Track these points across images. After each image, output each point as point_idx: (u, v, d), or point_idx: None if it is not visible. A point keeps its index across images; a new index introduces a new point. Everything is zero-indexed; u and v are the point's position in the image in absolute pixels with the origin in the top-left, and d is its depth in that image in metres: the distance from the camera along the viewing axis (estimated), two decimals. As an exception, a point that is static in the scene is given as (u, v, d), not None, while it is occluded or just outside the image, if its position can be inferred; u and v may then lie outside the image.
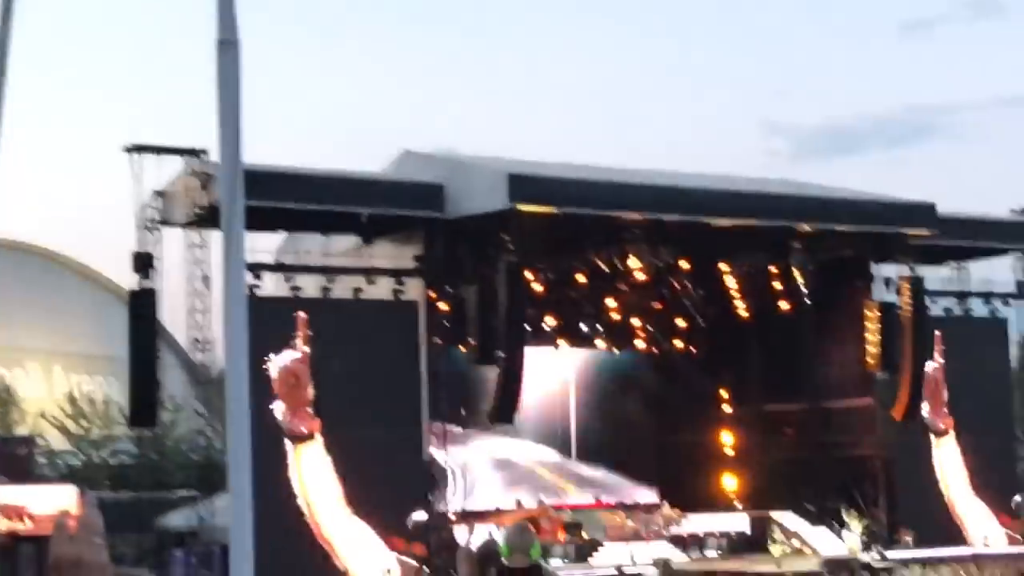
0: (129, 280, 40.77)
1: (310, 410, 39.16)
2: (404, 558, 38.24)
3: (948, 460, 49.72)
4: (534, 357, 44.58)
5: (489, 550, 10.42)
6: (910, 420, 48.36)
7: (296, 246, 43.23)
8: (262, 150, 41.84)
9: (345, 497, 38.87)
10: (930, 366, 49.43)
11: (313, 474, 38.90)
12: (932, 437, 49.71)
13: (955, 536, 48.68)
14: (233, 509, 5.73)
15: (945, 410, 49.97)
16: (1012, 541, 47.91)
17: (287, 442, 38.51)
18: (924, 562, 42.95)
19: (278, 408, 38.29)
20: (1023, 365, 58.33)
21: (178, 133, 41.52)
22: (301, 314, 38.90)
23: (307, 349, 38.81)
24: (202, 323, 40.73)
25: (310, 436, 39.02)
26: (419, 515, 40.29)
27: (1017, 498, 49.03)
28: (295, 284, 41.13)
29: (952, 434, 49.76)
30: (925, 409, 49.48)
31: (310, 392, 39.02)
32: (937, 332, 49.08)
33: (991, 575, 37.68)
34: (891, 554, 45.57)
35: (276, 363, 38.50)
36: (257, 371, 37.49)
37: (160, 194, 40.66)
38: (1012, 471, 52.64)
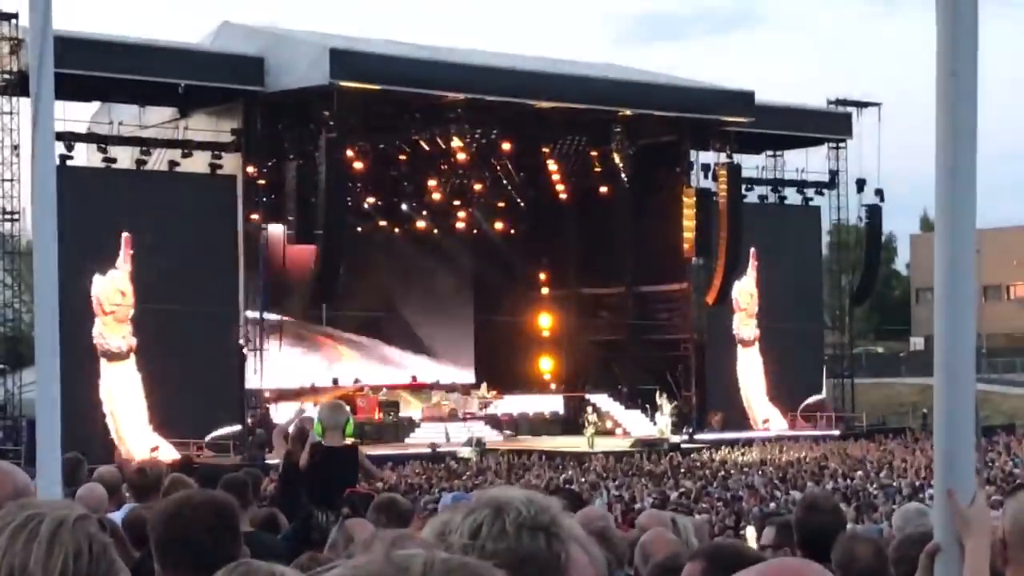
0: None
1: (130, 328, 39.19)
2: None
3: (750, 368, 51.13)
4: (354, 236, 44.40)
5: (303, 427, 10.31)
6: (722, 305, 49.38)
7: (111, 116, 42.22)
8: (78, 16, 40.59)
9: (156, 373, 38.88)
10: (746, 281, 50.55)
11: (122, 392, 38.89)
12: (738, 346, 51.00)
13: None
14: (39, 383, 5.57)
15: (755, 321, 51.24)
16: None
17: (101, 360, 38.64)
18: (732, 443, 44.10)
19: (96, 327, 38.54)
20: (833, 253, 59.62)
21: (-13, -4, 40.00)
22: (126, 234, 38.96)
23: (129, 267, 38.94)
24: (11, 193, 39.63)
25: (126, 355, 39.10)
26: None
27: None
28: (109, 155, 40.30)
29: (757, 345, 51.13)
30: (735, 321, 50.72)
31: (131, 310, 39.13)
32: (752, 249, 50.11)
33: (796, 454, 38.83)
34: (700, 436, 46.72)
35: (99, 283, 38.54)
36: (67, 244, 36.78)
37: (-32, 59, 39.26)
38: (819, 355, 54.10)
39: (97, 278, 38.85)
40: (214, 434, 39.95)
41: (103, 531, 2.70)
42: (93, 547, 2.66)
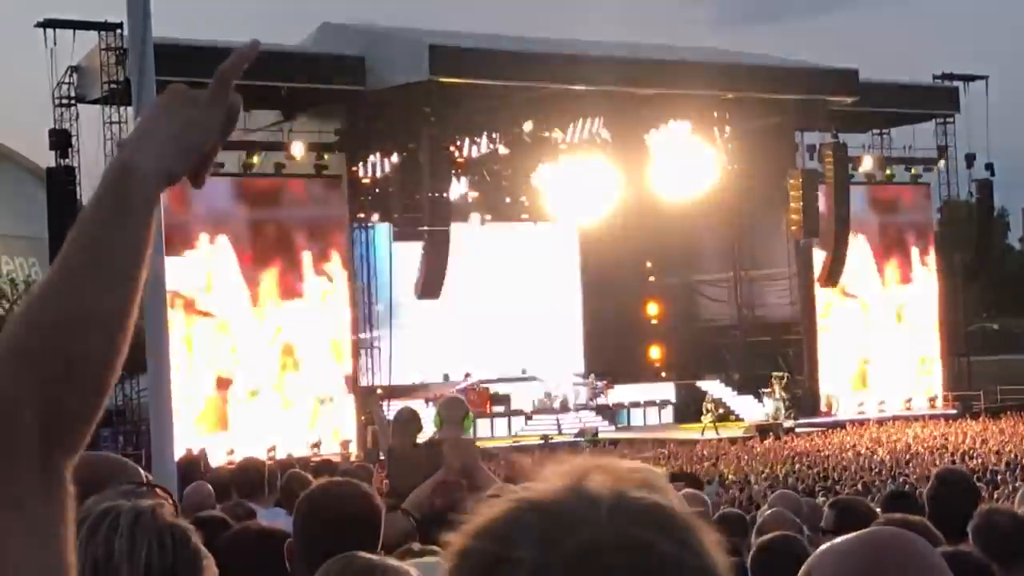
0: (47, 158, 40.15)
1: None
2: None
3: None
4: (459, 231, 44.51)
5: (403, 418, 10.29)
6: (832, 285, 48.89)
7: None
8: (177, 23, 41.07)
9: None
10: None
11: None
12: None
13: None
14: (151, 386, 5.63)
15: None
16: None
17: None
18: (844, 425, 43.69)
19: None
20: (945, 229, 58.63)
21: (92, 6, 40.73)
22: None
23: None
24: (121, 201, 40.19)
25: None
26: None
27: None
28: (216, 160, 40.71)
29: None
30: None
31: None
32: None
33: (907, 433, 38.41)
34: (815, 419, 46.27)
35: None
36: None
37: (75, 69, 39.91)
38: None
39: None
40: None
41: (182, 519, 2.72)
42: (176, 535, 2.67)
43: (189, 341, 38.96)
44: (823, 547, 2.26)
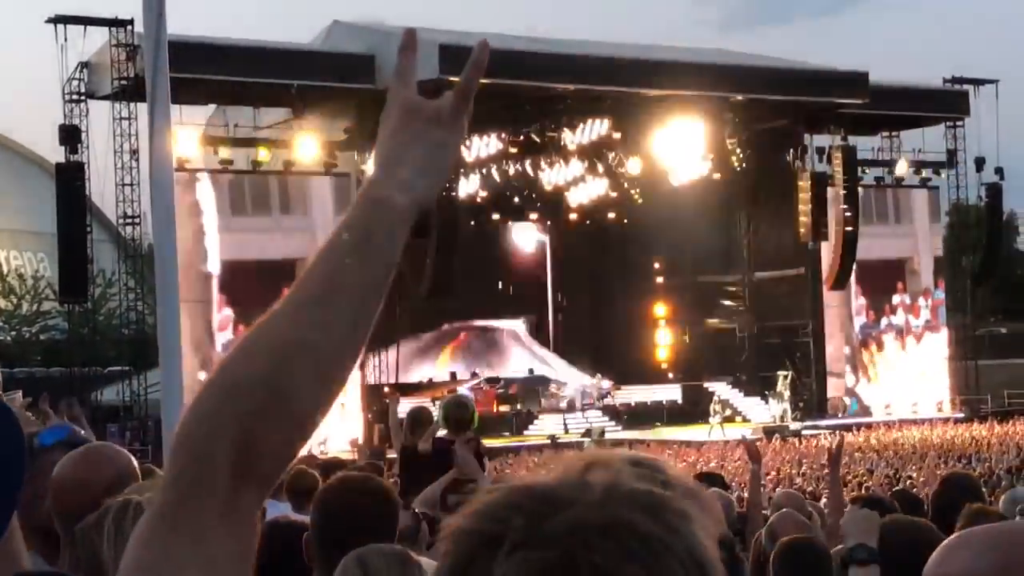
0: (56, 154, 40.23)
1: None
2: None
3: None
4: (468, 230, 44.53)
5: (416, 417, 10.33)
6: (840, 288, 48.85)
7: (225, 119, 42.74)
8: (190, 21, 41.20)
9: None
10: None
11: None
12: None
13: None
14: (163, 383, 5.66)
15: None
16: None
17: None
18: (851, 428, 43.62)
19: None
20: (953, 233, 58.61)
21: (103, 2, 40.89)
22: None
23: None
24: (131, 197, 40.29)
25: None
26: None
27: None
28: (224, 157, 40.82)
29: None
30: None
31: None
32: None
33: (913, 436, 38.39)
34: (820, 422, 46.23)
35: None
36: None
37: (85, 65, 39.98)
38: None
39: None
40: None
41: None
42: None
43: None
44: (953, 539, 2.06)
